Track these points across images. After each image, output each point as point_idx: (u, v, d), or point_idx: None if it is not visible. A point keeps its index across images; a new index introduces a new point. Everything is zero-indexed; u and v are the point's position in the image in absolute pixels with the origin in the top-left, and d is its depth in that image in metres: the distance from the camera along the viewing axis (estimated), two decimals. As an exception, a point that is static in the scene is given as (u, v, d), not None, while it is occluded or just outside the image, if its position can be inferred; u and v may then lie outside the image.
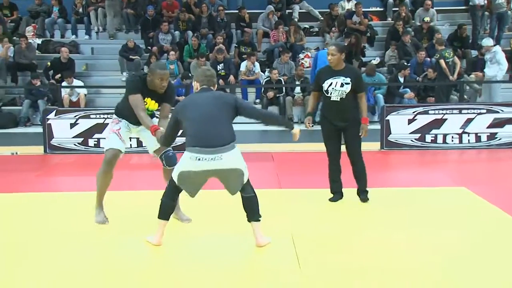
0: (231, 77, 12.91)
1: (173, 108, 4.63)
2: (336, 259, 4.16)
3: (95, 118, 8.74)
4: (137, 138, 8.21)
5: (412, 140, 8.98)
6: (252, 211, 4.44)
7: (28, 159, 8.48)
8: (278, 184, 6.66)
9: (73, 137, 8.69)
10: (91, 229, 4.92)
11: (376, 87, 12.41)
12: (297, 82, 12.45)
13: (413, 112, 9.02)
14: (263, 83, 12.64)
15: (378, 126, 9.60)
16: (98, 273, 3.98)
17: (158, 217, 4.43)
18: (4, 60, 12.93)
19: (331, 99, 5.59)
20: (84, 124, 8.69)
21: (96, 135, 8.69)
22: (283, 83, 12.46)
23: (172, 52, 13.12)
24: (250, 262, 4.18)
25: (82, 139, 8.71)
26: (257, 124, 12.19)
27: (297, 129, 4.74)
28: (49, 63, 12.83)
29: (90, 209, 5.17)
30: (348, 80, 5.54)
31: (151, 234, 4.49)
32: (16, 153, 8.77)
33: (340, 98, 5.56)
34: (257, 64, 13.11)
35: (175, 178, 4.33)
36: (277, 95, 12.41)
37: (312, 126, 5.80)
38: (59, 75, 12.45)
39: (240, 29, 14.60)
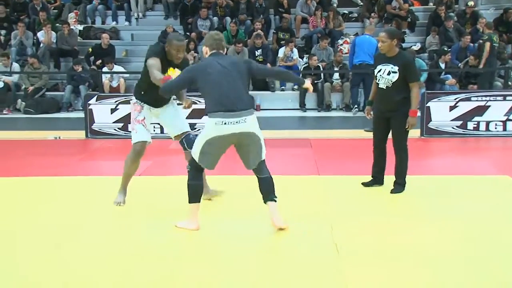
0: (268, 65, 12.88)
1: (187, 68, 4.57)
2: (374, 247, 4.13)
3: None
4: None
5: (453, 128, 8.81)
6: (268, 191, 4.46)
7: (70, 144, 8.66)
8: (317, 170, 6.63)
9: (114, 122, 8.83)
10: (130, 212, 5.01)
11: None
12: (336, 68, 12.34)
13: (455, 99, 8.85)
14: (301, 70, 12.57)
15: (418, 113, 9.48)
16: (136, 256, 4.04)
17: (189, 202, 4.44)
18: (47, 46, 13.19)
19: (379, 86, 5.50)
20: (124, 110, 8.80)
21: (136, 121, 8.79)
22: (322, 69, 12.37)
23: (210, 38, 13.12)
24: (287, 248, 4.18)
25: (122, 124, 8.84)
26: (295, 110, 12.20)
27: (307, 82, 4.95)
28: (90, 49, 13.03)
29: (130, 193, 5.26)
30: (395, 68, 5.35)
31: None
32: (59, 138, 8.95)
33: (386, 87, 5.41)
34: (295, 50, 13.03)
35: (196, 156, 4.36)
36: (315, 81, 12.32)
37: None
38: (99, 61, 12.65)
39: (279, 15, 14.52)
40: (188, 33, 14.11)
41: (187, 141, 5.06)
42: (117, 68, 12.37)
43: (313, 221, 4.67)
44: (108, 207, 5.15)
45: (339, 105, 12.31)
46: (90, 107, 8.88)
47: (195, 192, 4.43)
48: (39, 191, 5.72)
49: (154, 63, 4.76)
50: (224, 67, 4.35)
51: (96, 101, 8.93)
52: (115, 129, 8.77)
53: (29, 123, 11.00)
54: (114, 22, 14.97)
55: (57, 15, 14.93)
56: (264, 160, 4.49)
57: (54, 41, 13.39)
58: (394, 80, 5.34)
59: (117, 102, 8.86)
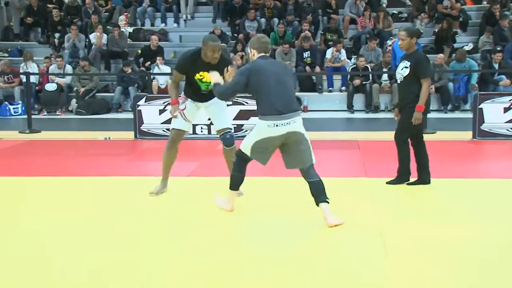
0: (317, 68, 12.83)
1: (240, 70, 4.66)
2: (424, 250, 4.03)
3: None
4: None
5: (508, 130, 8.54)
6: (319, 194, 4.59)
7: (119, 144, 8.80)
8: (364, 172, 6.53)
9: (162, 123, 8.91)
10: (174, 212, 5.04)
11: (467, 74, 11.90)
12: (384, 69, 12.16)
13: (510, 100, 8.57)
14: (349, 71, 12.45)
15: (470, 115, 9.24)
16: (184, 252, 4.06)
17: (230, 189, 4.83)
18: (99, 49, 13.48)
19: (397, 81, 5.79)
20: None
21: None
22: (370, 70, 12.21)
23: (258, 39, 13.15)
24: (337, 249, 4.12)
25: (169, 125, 8.91)
26: (343, 112, 12.08)
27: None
28: (139, 51, 13.25)
29: (178, 193, 5.30)
30: (408, 64, 5.59)
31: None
32: (109, 138, 9.11)
33: (400, 81, 5.69)
34: (343, 51, 12.92)
35: (247, 151, 4.62)
36: (364, 82, 12.18)
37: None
38: (148, 63, 12.84)
39: (327, 15, 14.42)
40: (235, 34, 14.17)
41: (224, 139, 5.28)
42: (165, 69, 12.53)
43: (361, 224, 4.59)
44: (154, 207, 5.20)
45: (388, 106, 12.13)
46: (139, 108, 9.01)
47: (237, 182, 4.80)
48: (89, 190, 5.82)
49: (174, 76, 5.29)
50: (275, 70, 4.57)
51: (145, 102, 9.05)
52: (163, 130, 8.86)
53: (80, 124, 11.25)
54: (163, 24, 15.18)
55: (108, 18, 15.25)
56: (312, 165, 4.62)
57: (105, 43, 13.68)
58: (405, 74, 5.59)
59: (165, 103, 8.94)
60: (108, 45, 13.68)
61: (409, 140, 5.79)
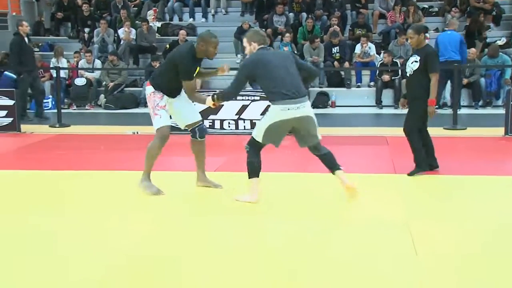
0: (346, 63, 12.72)
1: (242, 65, 5.02)
2: (453, 247, 3.95)
3: (211, 99, 8.91)
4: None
5: (541, 126, 8.35)
6: (332, 164, 5.02)
7: (147, 138, 8.71)
8: (393, 169, 6.44)
9: (190, 118, 8.92)
10: (202, 206, 5.05)
11: (499, 69, 11.65)
12: (415, 64, 11.97)
13: (543, 96, 8.37)
14: (378, 66, 12.30)
15: (502, 111, 9.05)
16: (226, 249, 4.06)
17: (250, 177, 4.93)
18: (127, 43, 13.56)
19: (407, 74, 6.04)
20: (200, 105, 8.86)
21: (211, 116, 8.87)
22: (399, 65, 12.04)
23: (287, 34, 13.10)
24: (365, 248, 4.06)
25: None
26: (371, 107, 11.96)
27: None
28: (168, 46, 13.29)
29: (203, 188, 5.29)
30: (418, 58, 5.84)
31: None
32: (137, 133, 9.16)
33: (409, 74, 5.94)
34: (372, 46, 12.77)
35: (259, 137, 4.86)
36: (393, 77, 12.02)
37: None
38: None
39: (356, 10, 14.28)
40: (263, 29, 14.11)
41: (200, 130, 5.36)
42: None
43: (389, 221, 4.53)
44: (180, 201, 5.21)
45: (417, 102, 11.96)
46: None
47: (255, 168, 4.93)
48: (118, 184, 5.84)
49: (193, 86, 5.24)
50: (279, 59, 4.91)
51: (173, 96, 9.05)
52: (190, 125, 8.87)
53: (109, 118, 11.34)
54: (191, 19, 15.20)
55: (137, 13, 15.34)
56: (319, 141, 5.00)
57: (134, 38, 13.75)
58: (415, 68, 5.84)
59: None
60: (136, 40, 13.76)
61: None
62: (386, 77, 11.97)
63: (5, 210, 4.98)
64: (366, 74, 12.80)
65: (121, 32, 13.85)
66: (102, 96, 12.61)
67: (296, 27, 13.80)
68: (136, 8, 15.56)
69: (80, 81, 12.58)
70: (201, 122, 5.44)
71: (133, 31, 13.80)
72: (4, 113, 9.04)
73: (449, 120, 9.20)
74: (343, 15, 14.14)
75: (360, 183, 5.16)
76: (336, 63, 12.71)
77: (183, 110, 5.36)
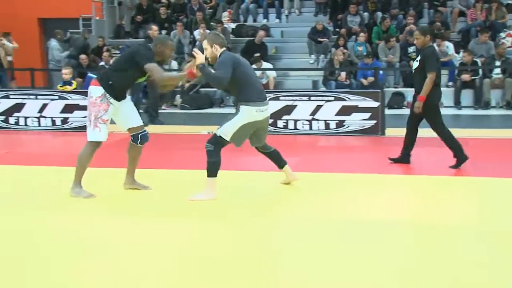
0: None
1: (224, 57, 5.03)
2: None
3: (284, 100, 8.94)
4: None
5: None
6: (281, 159, 5.45)
7: (222, 138, 8.93)
8: (473, 171, 6.23)
9: (263, 118, 8.97)
10: (274, 206, 5.05)
11: None
12: (498, 63, 11.50)
13: None
14: (457, 65, 11.92)
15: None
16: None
17: (209, 176, 5.06)
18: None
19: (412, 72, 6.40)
20: (274, 106, 8.91)
21: (285, 117, 8.89)
22: (480, 64, 11.62)
23: (361, 34, 12.94)
24: (428, 253, 3.94)
25: (271, 120, 8.89)
26: (450, 108, 11.59)
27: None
28: (244, 46, 13.40)
29: (275, 188, 5.29)
30: (418, 58, 6.25)
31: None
32: (212, 132, 9.27)
33: (413, 73, 6.32)
34: (450, 45, 12.39)
35: (227, 136, 5.04)
36: (473, 77, 11.61)
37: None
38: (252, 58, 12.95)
39: (433, 8, 13.90)
40: (337, 29, 14.00)
41: (143, 137, 5.37)
42: (266, 64, 12.61)
43: (459, 225, 4.38)
44: (253, 200, 5.24)
45: (499, 102, 11.50)
46: (241, 103, 9.10)
47: (216, 167, 5.08)
48: (194, 183, 5.92)
49: (158, 69, 5.06)
50: (246, 62, 5.25)
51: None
52: (264, 125, 8.92)
53: (184, 118, 11.57)
54: (265, 20, 15.28)
55: (212, 15, 15.57)
56: None
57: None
58: (414, 67, 6.25)
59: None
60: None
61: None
62: (466, 77, 11.58)
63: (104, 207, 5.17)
64: (444, 74, 12.41)
65: (196, 33, 14.11)
66: (178, 96, 12.90)
67: (371, 26, 13.59)
68: (211, 10, 15.81)
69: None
70: (145, 130, 5.45)
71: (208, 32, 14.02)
72: (87, 113, 9.37)
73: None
74: (419, 13, 13.80)
75: (438, 185, 5.02)
76: (412, 62, 12.40)
77: (129, 114, 5.37)
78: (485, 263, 3.69)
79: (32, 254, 3.96)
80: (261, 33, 13.40)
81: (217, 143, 5.09)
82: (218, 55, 5.09)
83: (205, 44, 5.15)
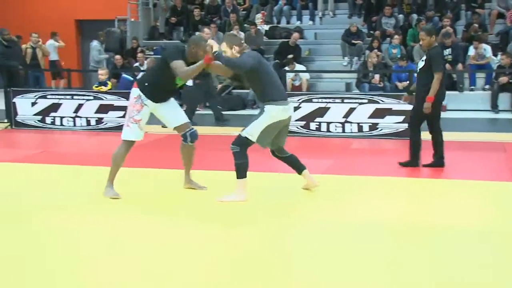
0: (459, 65, 12.19)
1: (247, 54, 5.08)
2: None
3: (317, 102, 8.90)
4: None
5: None
6: (299, 164, 5.34)
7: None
8: (510, 176, 6.09)
9: (296, 120, 8.92)
10: (307, 209, 5.03)
11: None
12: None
13: None
14: (495, 68, 11.67)
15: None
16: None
17: (239, 177, 5.03)
18: (236, 47, 13.82)
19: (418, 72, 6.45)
20: (307, 108, 8.89)
21: (318, 119, 8.84)
22: (519, 67, 11.36)
23: (395, 36, 12.79)
24: (460, 256, 3.86)
25: (304, 122, 8.92)
26: (486, 112, 11.36)
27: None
28: (278, 47, 13.38)
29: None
30: (424, 58, 6.28)
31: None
32: (243, 134, 9.27)
33: (418, 73, 6.39)
34: (488, 47, 12.15)
35: (253, 136, 4.99)
36: (510, 80, 11.35)
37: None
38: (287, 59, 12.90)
39: (471, 10, 13.65)
40: (372, 32, 13.88)
41: (192, 135, 5.39)
42: (299, 67, 12.56)
43: (495, 232, 4.28)
44: (282, 201, 5.22)
45: (536, 106, 11.23)
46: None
47: (244, 168, 5.04)
48: (226, 184, 5.93)
49: (182, 64, 5.01)
50: (267, 62, 5.27)
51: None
52: (297, 127, 8.89)
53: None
54: (298, 22, 15.24)
55: (245, 16, 15.60)
56: None
57: (242, 41, 13.98)
58: (420, 67, 6.29)
59: (300, 100, 8.97)
60: (245, 42, 13.98)
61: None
62: (504, 80, 11.33)
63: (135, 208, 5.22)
64: (481, 77, 12.20)
65: (230, 35, 14.13)
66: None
67: (406, 28, 13.43)
68: (245, 12, 15.84)
69: (190, 83, 12.94)
70: (192, 127, 5.47)
71: (242, 34, 14.03)
72: (121, 113, 9.47)
73: None
74: (456, 15, 13.58)
75: (474, 190, 4.92)
76: (447, 65, 12.20)
77: (170, 113, 5.41)
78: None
79: (67, 252, 4.02)
80: (296, 35, 13.36)
81: (242, 144, 5.05)
82: (239, 56, 5.08)
83: (223, 46, 5.11)
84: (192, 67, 5.03)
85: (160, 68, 5.26)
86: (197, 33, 13.71)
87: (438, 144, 6.37)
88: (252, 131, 5.01)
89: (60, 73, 14.23)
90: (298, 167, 5.37)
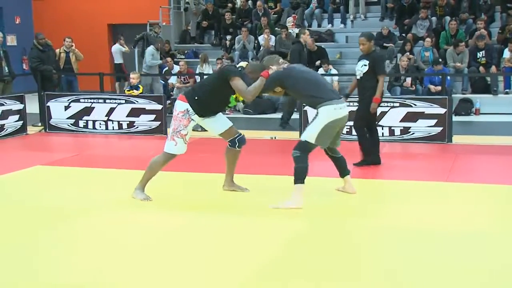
0: (493, 67, 11.97)
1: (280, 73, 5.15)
2: None
3: (348, 106, 8.80)
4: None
5: None
6: (345, 167, 5.43)
7: (285, 143, 8.88)
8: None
9: (326, 124, 8.89)
10: (345, 212, 5.00)
11: None
12: None
13: None
14: (530, 71, 11.46)
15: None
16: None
17: (297, 183, 4.99)
18: (267, 50, 13.83)
19: (356, 77, 6.73)
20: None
21: (349, 123, 8.69)
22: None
23: (427, 39, 12.64)
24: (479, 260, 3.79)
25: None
26: (511, 116, 11.15)
27: None
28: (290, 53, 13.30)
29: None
30: (366, 63, 6.53)
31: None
32: (275, 138, 9.30)
33: (360, 77, 6.63)
34: (523, 49, 11.93)
35: (312, 139, 5.01)
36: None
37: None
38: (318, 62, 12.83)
39: (506, 12, 13.41)
40: (403, 34, 13.75)
41: (240, 140, 5.43)
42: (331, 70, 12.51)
43: (499, 230, 4.20)
44: (314, 206, 5.20)
45: None
46: (304, 108, 9.07)
47: (304, 173, 5.01)
48: (258, 187, 5.91)
49: (241, 82, 5.01)
50: (305, 68, 5.45)
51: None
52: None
53: (247, 123, 11.60)
54: (330, 25, 15.19)
55: (276, 20, 15.62)
56: None
57: (273, 44, 14.01)
58: (364, 71, 6.54)
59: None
60: (276, 46, 13.99)
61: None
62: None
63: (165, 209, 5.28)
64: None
65: (261, 38, 14.18)
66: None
67: (438, 31, 13.26)
68: (276, 15, 15.85)
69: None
70: (240, 133, 5.48)
71: (273, 38, 14.06)
72: (152, 117, 9.60)
73: None
74: (490, 17, 13.36)
75: (502, 194, 4.83)
76: (481, 68, 12.02)
77: (215, 120, 5.42)
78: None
79: (112, 250, 4.08)
80: (309, 41, 13.10)
81: (303, 149, 5.07)
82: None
83: (267, 66, 5.20)
84: (255, 86, 5.04)
85: (216, 85, 5.22)
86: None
87: (376, 143, 6.81)
88: (310, 134, 5.06)
89: (125, 77, 14.26)
90: (343, 171, 5.44)
